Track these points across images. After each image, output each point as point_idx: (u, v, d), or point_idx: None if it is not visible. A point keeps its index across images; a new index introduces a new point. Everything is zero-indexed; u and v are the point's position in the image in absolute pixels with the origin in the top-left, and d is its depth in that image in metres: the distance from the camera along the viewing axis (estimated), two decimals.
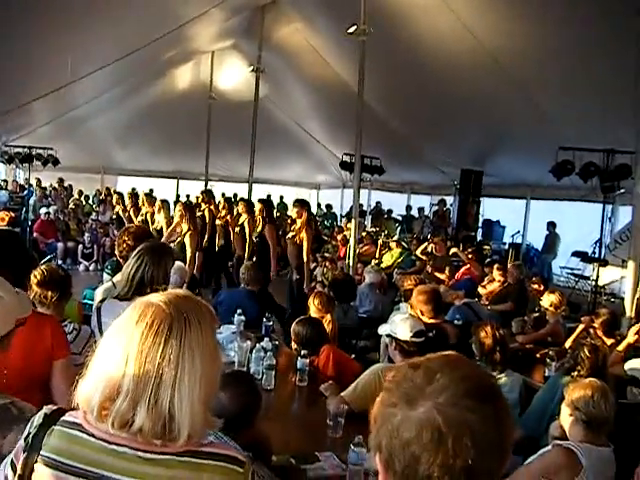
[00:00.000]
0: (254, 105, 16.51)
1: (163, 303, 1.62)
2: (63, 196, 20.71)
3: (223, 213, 13.25)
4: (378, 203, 23.31)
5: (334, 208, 24.80)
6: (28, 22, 9.67)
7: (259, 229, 10.37)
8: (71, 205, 18.96)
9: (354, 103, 11.01)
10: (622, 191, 11.11)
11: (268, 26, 15.79)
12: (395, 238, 16.73)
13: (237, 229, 12.13)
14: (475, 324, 5.50)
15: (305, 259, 9.66)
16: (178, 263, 6.45)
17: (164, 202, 12.53)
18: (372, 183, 21.15)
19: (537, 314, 8.34)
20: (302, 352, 5.10)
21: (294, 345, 5.54)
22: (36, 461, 1.61)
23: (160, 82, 19.79)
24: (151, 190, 22.47)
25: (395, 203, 22.77)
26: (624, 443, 4.05)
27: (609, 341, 6.53)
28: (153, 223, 12.51)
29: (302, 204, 10.07)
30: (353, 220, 11.48)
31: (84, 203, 21.18)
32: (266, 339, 5.59)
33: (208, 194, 14.14)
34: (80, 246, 16.08)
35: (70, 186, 22.27)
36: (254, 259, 10.45)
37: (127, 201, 15.41)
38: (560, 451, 3.43)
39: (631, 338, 6.26)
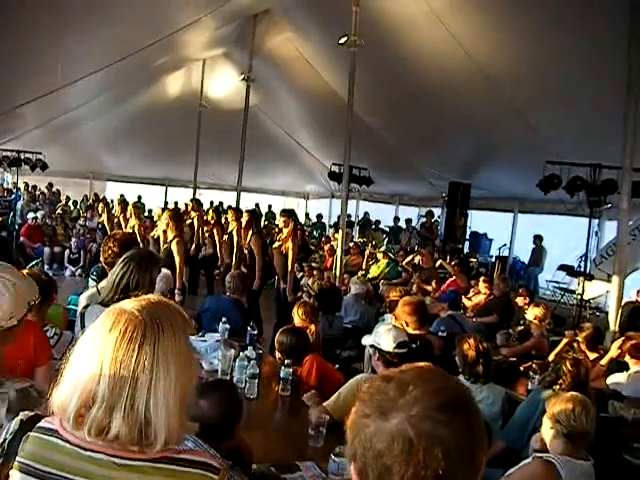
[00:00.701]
0: (244, 114, 16.52)
1: (136, 310, 1.62)
2: (51, 200, 20.65)
3: (212, 222, 13.25)
4: (366, 214, 23.34)
5: (323, 218, 24.80)
6: (18, 25, 9.65)
7: (248, 240, 10.37)
8: (59, 210, 18.91)
9: (344, 113, 11.02)
10: (608, 206, 11.16)
11: (260, 35, 15.82)
12: (382, 249, 16.74)
13: (225, 237, 12.14)
14: (459, 336, 5.51)
15: (290, 268, 9.67)
16: (164, 271, 6.44)
17: (164, 210, 12.52)
18: (360, 193, 21.18)
19: (522, 327, 8.37)
20: (285, 361, 5.10)
21: (278, 354, 5.54)
22: (12, 467, 1.60)
23: (151, 89, 19.75)
24: (139, 197, 22.52)
25: (383, 214, 22.79)
26: (604, 457, 4.08)
27: (592, 355, 6.57)
28: (144, 235, 12.53)
29: (289, 214, 10.08)
30: (340, 230, 11.49)
31: (72, 208, 21.14)
32: (250, 348, 5.59)
33: (197, 202, 14.15)
34: (67, 251, 16.04)
35: (58, 191, 22.23)
36: (241, 268, 10.46)
37: (116, 207, 15.37)
38: (540, 463, 3.44)
39: (614, 352, 6.29)
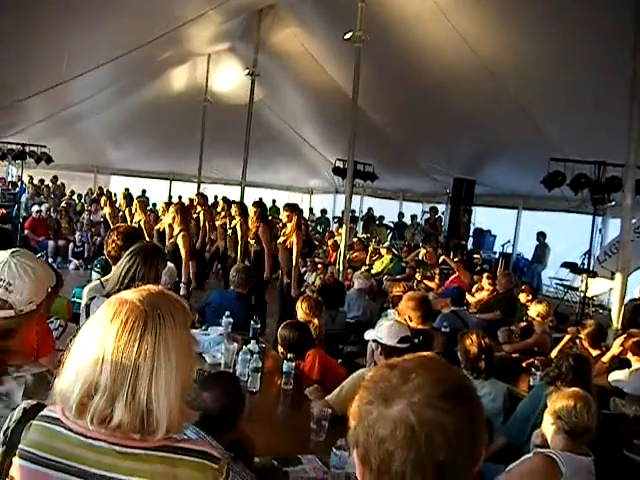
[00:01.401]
0: (249, 108, 16.56)
1: (137, 300, 1.64)
2: (56, 193, 20.67)
3: (222, 215, 13.26)
4: (370, 209, 23.32)
5: (327, 213, 24.79)
6: (24, 19, 9.67)
7: (254, 231, 10.37)
8: (63, 203, 18.92)
9: (348, 109, 11.04)
10: (612, 203, 11.14)
11: (265, 30, 15.85)
12: (386, 245, 16.74)
13: (229, 232, 12.15)
14: (461, 332, 5.53)
15: (294, 263, 9.67)
16: (168, 264, 6.46)
17: (168, 204, 12.54)
18: (364, 189, 21.17)
19: (524, 323, 8.38)
20: (288, 355, 5.12)
21: (280, 348, 5.55)
22: (14, 455, 1.62)
23: (156, 83, 19.75)
24: (144, 191, 22.55)
25: (387, 210, 22.78)
26: (605, 453, 4.09)
27: (594, 352, 6.57)
28: (150, 230, 12.54)
29: (292, 208, 10.07)
30: (344, 226, 11.50)
31: (77, 202, 21.16)
32: (253, 342, 5.60)
33: (203, 197, 14.15)
34: (71, 244, 16.07)
35: (63, 184, 22.25)
36: (246, 262, 10.47)
37: (121, 201, 15.37)
38: (541, 459, 3.45)
39: (616, 350, 6.28)
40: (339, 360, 6.69)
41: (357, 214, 22.39)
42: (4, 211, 15.50)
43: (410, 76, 13.48)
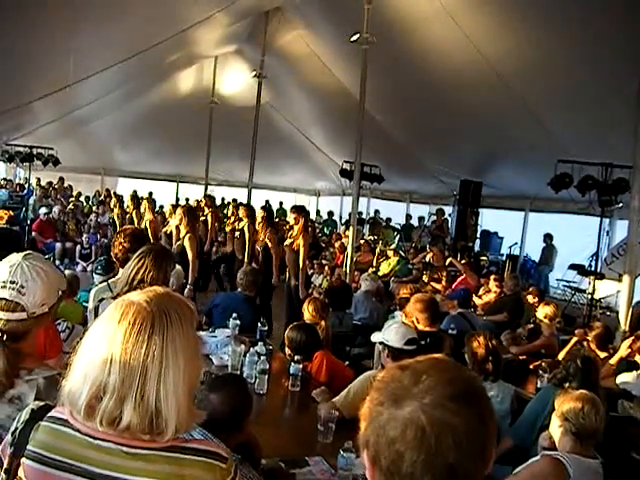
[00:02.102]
0: (255, 110, 16.59)
1: (144, 301, 1.64)
2: (64, 196, 20.72)
3: (232, 219, 13.27)
4: (377, 212, 23.31)
5: (334, 215, 24.79)
6: (31, 22, 9.70)
7: (261, 237, 10.39)
8: (70, 206, 18.97)
9: (355, 111, 11.05)
10: (620, 205, 11.12)
11: (271, 32, 15.87)
12: (393, 247, 16.73)
13: (237, 234, 12.16)
14: (468, 334, 5.52)
15: (301, 265, 9.67)
16: (176, 267, 6.47)
17: (175, 206, 12.56)
18: (371, 191, 21.16)
19: (532, 326, 8.36)
20: (295, 357, 5.12)
21: (288, 350, 5.56)
22: (23, 455, 1.63)
23: (163, 85, 19.82)
24: (150, 193, 22.59)
25: (394, 212, 22.75)
26: (613, 456, 4.08)
27: (602, 354, 6.56)
28: (156, 231, 12.57)
29: (299, 210, 10.07)
30: (351, 228, 11.50)
31: (84, 204, 21.21)
32: (260, 344, 5.61)
33: (210, 199, 14.16)
34: (78, 247, 16.10)
35: (70, 186, 22.31)
36: (253, 264, 10.48)
37: (129, 203, 15.39)
38: (548, 461, 3.44)
39: (623, 352, 6.28)
40: (346, 362, 6.70)
41: (364, 216, 22.37)
42: (12, 213, 15.49)
43: (417, 78, 13.47)
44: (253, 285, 7.51)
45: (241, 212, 12.12)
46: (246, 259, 11.38)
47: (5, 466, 1.65)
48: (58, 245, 15.94)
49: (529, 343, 7.83)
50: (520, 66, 11.29)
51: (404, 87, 14.32)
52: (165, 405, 1.57)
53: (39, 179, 21.31)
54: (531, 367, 6.97)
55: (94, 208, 19.69)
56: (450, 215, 19.24)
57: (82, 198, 21.80)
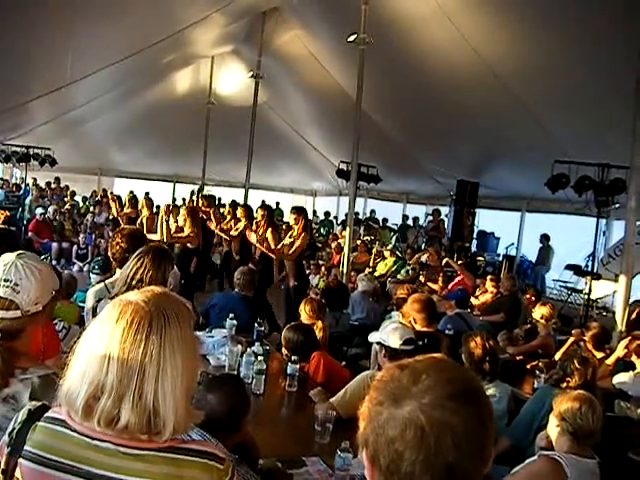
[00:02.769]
0: (252, 111, 16.58)
1: (142, 301, 1.65)
2: (59, 196, 20.69)
3: (228, 218, 13.27)
4: (372, 211, 23.30)
5: (330, 215, 24.79)
6: (29, 22, 9.69)
7: (263, 234, 10.38)
8: (67, 206, 18.95)
9: (352, 111, 11.05)
10: (616, 206, 11.13)
11: (268, 32, 15.86)
12: (389, 247, 16.74)
13: (234, 233, 12.15)
14: (465, 334, 5.52)
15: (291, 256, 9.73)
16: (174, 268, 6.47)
17: (175, 207, 12.56)
18: (368, 191, 21.17)
19: (529, 326, 8.37)
20: (292, 358, 5.12)
21: (285, 351, 5.56)
22: (20, 456, 1.63)
23: (159, 85, 19.80)
24: (147, 193, 22.56)
25: (391, 212, 22.76)
26: (610, 456, 4.08)
27: (599, 354, 6.56)
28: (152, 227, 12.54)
29: (300, 211, 10.07)
30: (348, 228, 11.50)
31: (81, 204, 21.18)
32: (257, 344, 5.61)
33: (210, 199, 14.13)
34: (75, 247, 16.08)
35: (67, 186, 22.29)
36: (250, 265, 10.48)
37: (126, 204, 15.36)
38: (546, 461, 3.45)
39: (620, 352, 6.28)
40: (343, 362, 6.70)
41: (361, 216, 22.38)
42: (8, 213, 15.48)
43: (414, 78, 13.48)
44: (250, 285, 7.52)
45: (239, 212, 12.12)
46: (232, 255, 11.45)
47: (2, 466, 1.65)
48: (54, 245, 15.92)
49: (526, 343, 7.84)
50: (517, 66, 11.31)
51: (401, 87, 14.33)
52: (163, 405, 1.58)
53: (35, 179, 21.28)
54: (528, 367, 6.99)
55: (91, 208, 19.68)
56: (447, 215, 19.24)
57: (77, 198, 21.72)
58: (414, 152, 17.57)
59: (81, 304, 5.86)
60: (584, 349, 6.72)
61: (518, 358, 7.39)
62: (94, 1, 10.18)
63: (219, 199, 21.39)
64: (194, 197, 14.50)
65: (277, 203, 25.55)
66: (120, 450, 1.58)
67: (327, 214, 24.69)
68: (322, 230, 22.88)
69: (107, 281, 4.33)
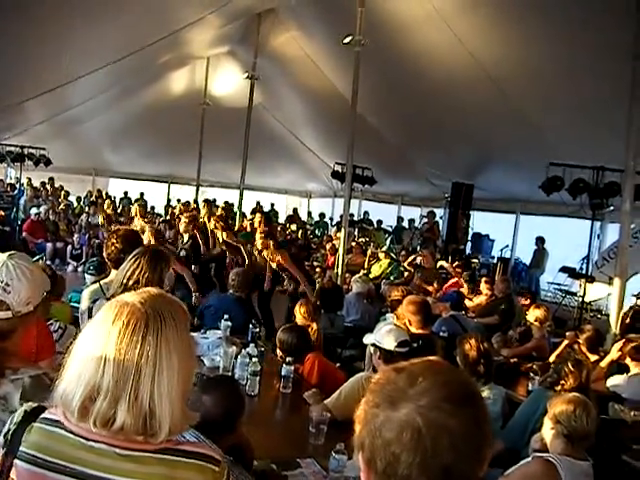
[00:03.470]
0: (247, 112, 16.58)
1: (138, 302, 1.64)
2: (54, 197, 20.64)
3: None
4: (366, 213, 23.30)
5: (325, 217, 24.79)
6: (24, 21, 9.68)
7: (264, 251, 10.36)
8: (61, 206, 18.90)
9: (347, 113, 11.06)
10: (611, 209, 11.17)
11: (264, 34, 15.87)
12: (384, 249, 16.74)
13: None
14: (460, 336, 5.52)
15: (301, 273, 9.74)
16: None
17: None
18: (363, 193, 21.18)
19: (523, 328, 8.38)
20: (287, 359, 5.12)
21: (279, 352, 5.56)
22: (15, 457, 1.63)
23: (155, 86, 19.77)
24: (141, 194, 22.56)
25: (385, 214, 22.76)
26: (604, 458, 4.09)
27: (593, 357, 6.57)
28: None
29: (266, 235, 10.01)
30: (343, 230, 11.50)
31: (75, 204, 21.14)
32: (252, 345, 5.60)
33: (209, 203, 14.11)
34: (69, 247, 16.04)
35: (61, 186, 22.25)
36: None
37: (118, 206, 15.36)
38: (540, 463, 3.46)
39: (614, 355, 6.29)
40: (338, 364, 6.70)
41: (356, 218, 22.37)
42: (2, 213, 15.46)
43: (409, 81, 13.51)
44: (245, 286, 7.51)
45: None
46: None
47: None
48: (49, 245, 15.87)
49: (520, 346, 7.84)
50: (513, 70, 11.34)
51: (396, 89, 14.33)
52: (159, 406, 1.57)
53: (30, 179, 21.24)
54: (522, 370, 6.98)
55: (85, 209, 19.64)
56: (441, 217, 19.28)
57: (71, 198, 21.66)
58: (409, 154, 17.60)
59: (76, 304, 5.85)
60: (578, 352, 6.73)
61: (512, 360, 7.39)
62: (90, 2, 10.17)
63: (214, 200, 21.37)
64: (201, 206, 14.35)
65: (272, 204, 25.55)
66: (115, 451, 1.58)
67: (322, 216, 24.69)
68: (317, 232, 22.87)
69: (102, 282, 4.32)
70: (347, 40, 10.70)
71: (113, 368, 1.57)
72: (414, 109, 14.51)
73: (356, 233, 20.46)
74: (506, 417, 5.06)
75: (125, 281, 3.76)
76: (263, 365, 5.18)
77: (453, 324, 7.94)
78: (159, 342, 1.60)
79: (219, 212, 10.81)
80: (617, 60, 8.88)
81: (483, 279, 11.29)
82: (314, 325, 6.18)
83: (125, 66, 13.79)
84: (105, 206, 17.06)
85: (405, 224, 21.44)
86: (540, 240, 16.80)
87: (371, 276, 13.38)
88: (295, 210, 24.92)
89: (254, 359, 5.04)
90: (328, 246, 16.45)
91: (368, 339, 4.86)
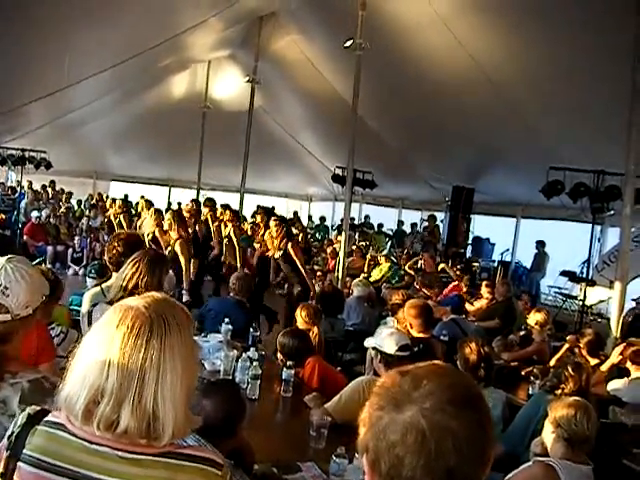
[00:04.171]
0: (248, 115, 16.60)
1: (142, 306, 1.65)
2: (55, 200, 20.64)
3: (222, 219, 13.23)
4: (366, 217, 23.30)
5: (326, 221, 24.79)
6: (25, 25, 9.69)
7: (261, 237, 10.39)
8: (62, 209, 18.90)
9: (348, 117, 11.07)
10: (611, 212, 11.15)
11: (265, 37, 15.89)
12: (384, 253, 16.74)
13: (225, 240, 12.14)
14: (460, 340, 5.52)
15: (303, 272, 9.76)
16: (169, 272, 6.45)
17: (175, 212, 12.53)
18: (363, 197, 21.18)
19: (523, 332, 8.38)
20: (288, 363, 5.12)
21: (280, 356, 5.56)
22: (19, 460, 1.63)
23: (156, 89, 19.79)
24: (142, 197, 22.52)
25: (386, 217, 22.76)
26: (604, 462, 4.09)
27: (593, 361, 6.57)
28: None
29: (280, 221, 10.04)
30: (343, 233, 11.51)
31: (76, 207, 21.13)
32: (252, 349, 5.60)
33: (211, 202, 14.11)
34: (70, 250, 16.03)
35: (62, 189, 22.25)
36: (245, 269, 10.50)
37: (117, 207, 15.35)
38: (540, 467, 3.46)
39: (615, 358, 6.29)
40: (338, 368, 6.69)
41: (356, 222, 22.37)
42: (3, 217, 15.49)
43: (410, 84, 13.52)
44: (246, 290, 7.50)
45: (227, 216, 12.13)
46: (239, 264, 11.40)
47: (1, 470, 1.65)
48: (49, 249, 15.85)
49: (521, 349, 7.84)
50: (513, 73, 11.35)
51: (397, 93, 14.35)
52: (162, 409, 1.58)
53: (31, 182, 21.24)
54: (522, 373, 6.99)
55: (86, 212, 19.64)
56: (442, 221, 19.29)
57: (72, 201, 21.66)
58: (410, 157, 17.61)
59: (77, 308, 5.85)
60: (578, 355, 6.73)
61: (513, 364, 7.40)
62: (91, 5, 10.18)
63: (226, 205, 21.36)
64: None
65: (272, 207, 25.52)
66: (118, 454, 1.59)
67: (322, 219, 24.68)
68: (317, 235, 22.86)
69: (103, 285, 4.33)
70: (348, 44, 10.72)
71: (117, 371, 1.57)
72: (415, 112, 14.52)
73: (357, 237, 20.47)
74: (506, 421, 5.06)
75: (124, 285, 3.77)
76: (264, 369, 5.19)
77: (454, 328, 7.94)
78: (163, 346, 1.61)
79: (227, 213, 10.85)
80: (618, 63, 8.88)
81: (484, 283, 11.28)
82: (315, 329, 6.17)
83: (126, 69, 13.80)
84: (107, 205, 17.03)
85: (406, 228, 21.44)
86: (540, 244, 16.80)
87: (371, 280, 13.38)
88: (296, 213, 24.93)
89: (255, 363, 5.04)
90: (329, 250, 16.47)
91: (369, 343, 4.87)
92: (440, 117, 13.90)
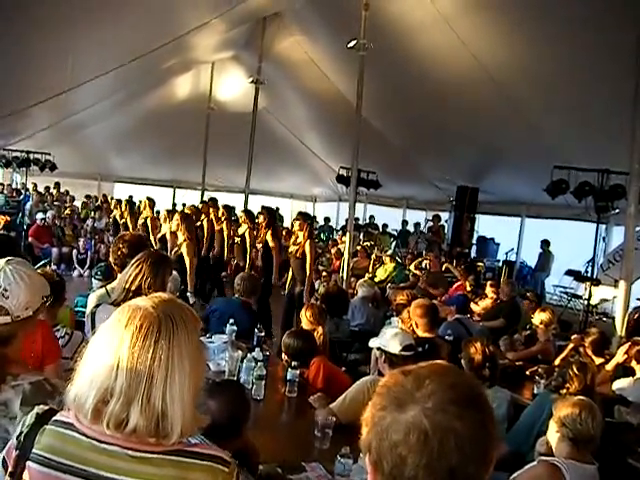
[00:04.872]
0: (252, 116, 16.58)
1: (150, 306, 1.67)
2: (60, 201, 20.69)
3: (222, 219, 13.24)
4: (371, 217, 23.29)
5: (330, 221, 24.78)
6: (28, 27, 9.70)
7: (263, 237, 10.40)
8: (67, 211, 18.94)
9: (352, 117, 11.06)
10: (616, 211, 11.13)
11: (269, 38, 15.87)
12: (389, 253, 16.74)
13: (237, 239, 12.16)
14: (465, 340, 5.52)
15: (308, 272, 9.71)
16: (173, 273, 6.46)
17: (171, 212, 12.55)
18: (368, 197, 21.18)
19: (528, 331, 8.37)
20: (292, 363, 5.12)
21: (285, 356, 5.55)
22: (28, 459, 1.65)
23: (160, 91, 19.82)
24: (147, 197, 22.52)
25: (390, 217, 22.74)
26: (609, 461, 4.08)
27: (598, 360, 6.56)
28: (155, 228, 12.57)
29: (305, 217, 10.07)
30: (348, 234, 11.51)
31: (80, 209, 21.18)
32: (257, 349, 5.61)
33: (213, 202, 14.13)
34: (75, 252, 16.04)
35: (67, 191, 22.30)
36: (252, 271, 10.50)
37: (123, 208, 15.38)
38: (545, 466, 3.46)
39: (620, 358, 6.28)
40: (343, 368, 6.69)
41: (361, 222, 22.36)
42: (8, 218, 15.47)
43: (414, 84, 13.51)
44: (251, 291, 7.50)
45: (241, 217, 12.15)
46: (247, 264, 11.42)
47: (10, 469, 1.67)
48: (55, 250, 15.87)
49: (526, 349, 7.84)
50: (517, 72, 11.34)
51: (401, 93, 14.35)
52: (171, 408, 1.60)
53: (35, 184, 21.28)
54: (527, 373, 6.98)
55: (91, 214, 19.67)
56: (446, 221, 19.27)
57: (76, 203, 21.70)
58: (414, 158, 17.61)
59: (82, 309, 5.86)
60: (583, 355, 6.72)
61: (517, 364, 7.39)
62: (93, 6, 10.19)
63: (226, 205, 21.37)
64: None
65: (277, 208, 25.54)
66: (128, 453, 1.61)
67: (327, 220, 24.68)
68: (322, 236, 22.85)
69: (109, 286, 4.33)
70: (351, 44, 10.71)
71: (126, 371, 1.59)
72: (418, 112, 14.52)
73: (361, 237, 20.46)
74: (511, 420, 5.06)
75: (127, 286, 3.77)
76: (268, 369, 5.19)
77: (458, 327, 7.93)
78: (171, 346, 1.63)
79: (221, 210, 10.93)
80: (620, 61, 8.87)
81: (488, 282, 11.27)
82: (320, 329, 6.16)
83: (130, 71, 13.81)
84: (112, 206, 17.06)
85: (410, 228, 21.42)
86: (545, 243, 16.78)
87: (376, 280, 13.39)
88: (309, 215, 24.90)
89: (259, 363, 5.04)
90: (333, 250, 16.47)
91: (373, 343, 4.86)
92: (443, 116, 13.89)
